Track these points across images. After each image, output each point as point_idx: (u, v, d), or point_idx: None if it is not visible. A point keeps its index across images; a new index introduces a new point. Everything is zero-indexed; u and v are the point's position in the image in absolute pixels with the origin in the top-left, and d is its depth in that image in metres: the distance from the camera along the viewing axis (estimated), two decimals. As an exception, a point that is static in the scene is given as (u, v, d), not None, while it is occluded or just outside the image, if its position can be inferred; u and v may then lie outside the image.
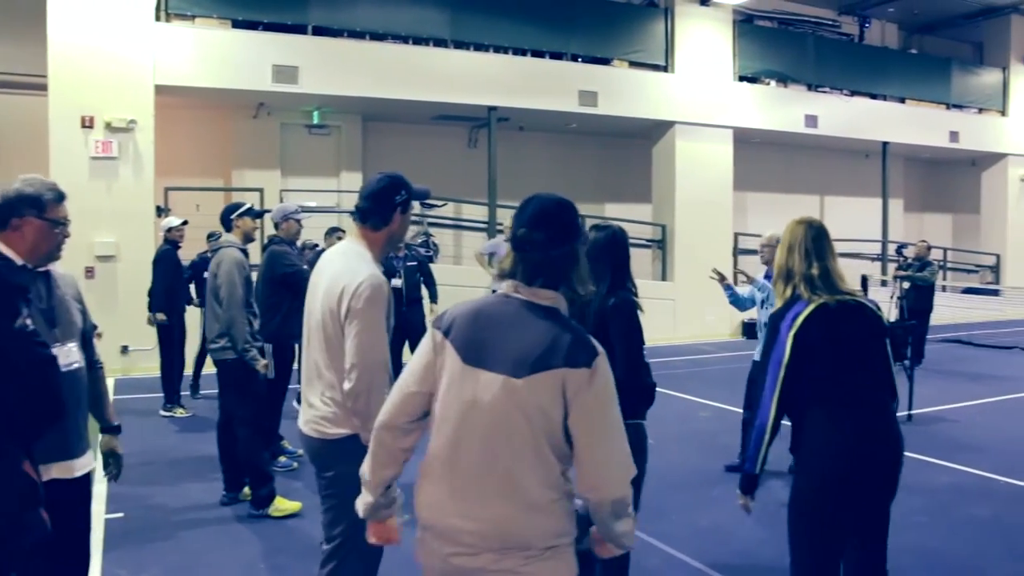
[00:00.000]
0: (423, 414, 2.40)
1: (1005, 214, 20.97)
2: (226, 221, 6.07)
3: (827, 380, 3.16)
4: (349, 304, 3.11)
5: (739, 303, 7.29)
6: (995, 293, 20.50)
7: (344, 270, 3.21)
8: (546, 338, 2.24)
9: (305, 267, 6.68)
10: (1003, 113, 20.67)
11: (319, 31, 12.76)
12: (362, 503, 2.53)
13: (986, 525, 5.69)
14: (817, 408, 3.17)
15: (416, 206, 14.68)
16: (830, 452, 3.15)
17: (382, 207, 3.29)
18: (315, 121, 14.53)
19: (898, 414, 3.35)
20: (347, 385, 3.10)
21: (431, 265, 13.07)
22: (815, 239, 3.30)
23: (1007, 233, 20.90)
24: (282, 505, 5.70)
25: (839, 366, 3.17)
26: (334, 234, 8.63)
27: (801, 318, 3.16)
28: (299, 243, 7.44)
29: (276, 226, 6.87)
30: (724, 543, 5.28)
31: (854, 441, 3.14)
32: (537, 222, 2.31)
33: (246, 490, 5.86)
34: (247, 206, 6.13)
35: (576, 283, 2.34)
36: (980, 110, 20.36)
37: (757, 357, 6.30)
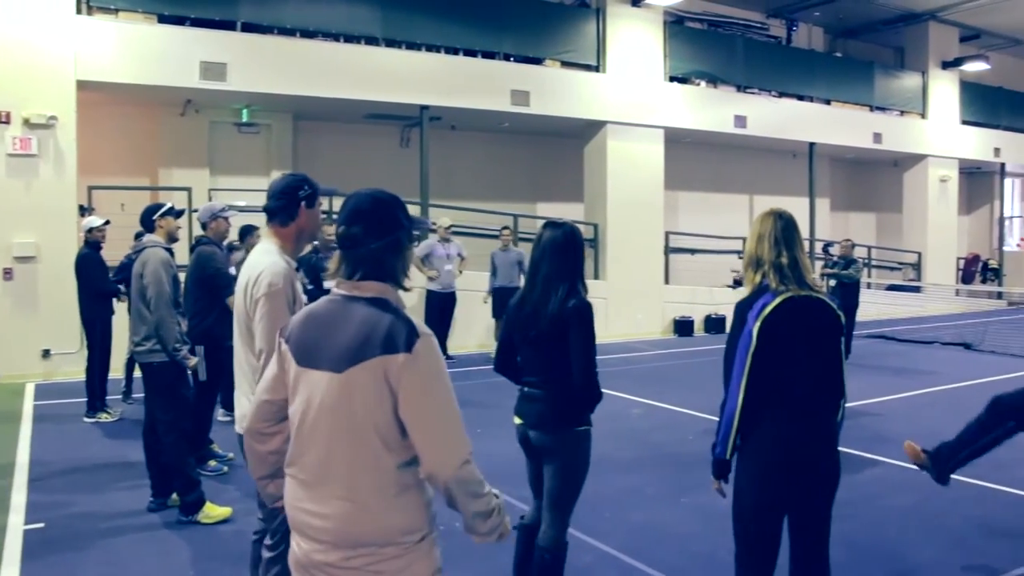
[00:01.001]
0: (281, 419, 2.45)
1: (925, 213, 21.63)
2: (148, 222, 5.94)
3: (783, 373, 3.21)
4: (251, 294, 3.30)
5: None
6: (916, 290, 21.11)
7: (251, 265, 3.40)
8: (365, 329, 2.25)
9: (232, 269, 6.63)
10: (923, 116, 21.30)
11: (248, 27, 12.51)
12: (263, 495, 2.68)
13: (908, 514, 5.87)
14: (769, 399, 3.21)
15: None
16: (778, 444, 3.21)
17: (287, 203, 3.43)
18: (244, 119, 14.28)
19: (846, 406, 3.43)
20: (257, 370, 3.23)
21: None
22: (784, 229, 3.36)
23: (927, 232, 21.58)
24: (212, 511, 5.58)
25: (797, 360, 3.23)
26: (252, 233, 8.51)
27: (768, 309, 3.21)
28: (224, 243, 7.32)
29: (204, 226, 6.74)
30: (658, 539, 5.33)
31: (802, 436, 3.22)
32: (353, 218, 2.34)
33: (174, 496, 5.73)
34: (168, 206, 6.02)
35: (400, 275, 2.38)
36: (901, 112, 20.93)
37: None
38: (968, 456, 4.91)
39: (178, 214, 6.04)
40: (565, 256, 3.74)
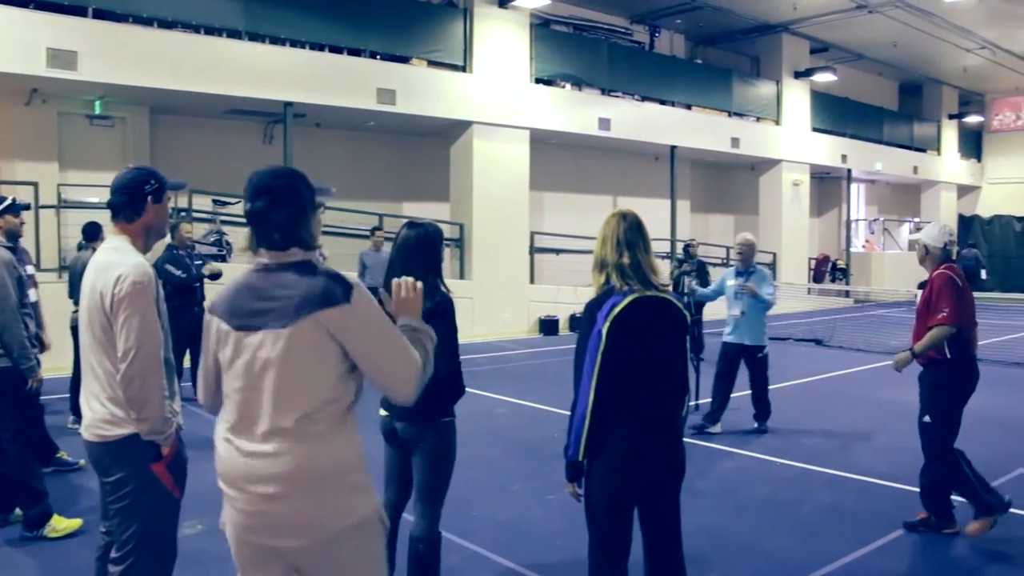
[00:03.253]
0: None
1: (780, 215, 22.64)
2: None
3: (632, 372, 3.25)
4: (113, 294, 3.09)
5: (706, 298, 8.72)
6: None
7: (105, 264, 3.18)
8: (301, 289, 2.43)
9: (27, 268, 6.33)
10: (777, 122, 22.28)
11: (100, 14, 11.90)
12: None
13: (765, 504, 6.10)
14: (619, 397, 3.24)
15: (208, 204, 14.05)
16: (627, 440, 3.25)
17: (133, 199, 3.29)
18: (97, 111, 13.61)
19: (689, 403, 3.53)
20: (120, 372, 3.07)
21: (225, 264, 12.60)
22: (627, 231, 3.41)
23: (782, 232, 22.58)
24: (59, 524, 5.29)
25: (645, 358, 3.28)
26: (100, 233, 8.16)
27: (617, 309, 3.24)
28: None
29: None
30: (524, 537, 5.37)
31: (649, 431, 3.28)
32: (256, 194, 2.53)
33: (18, 511, 5.41)
34: (8, 201, 5.68)
35: (308, 238, 2.54)
36: (758, 119, 21.81)
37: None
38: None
39: (18, 210, 5.70)
40: (417, 256, 3.79)
